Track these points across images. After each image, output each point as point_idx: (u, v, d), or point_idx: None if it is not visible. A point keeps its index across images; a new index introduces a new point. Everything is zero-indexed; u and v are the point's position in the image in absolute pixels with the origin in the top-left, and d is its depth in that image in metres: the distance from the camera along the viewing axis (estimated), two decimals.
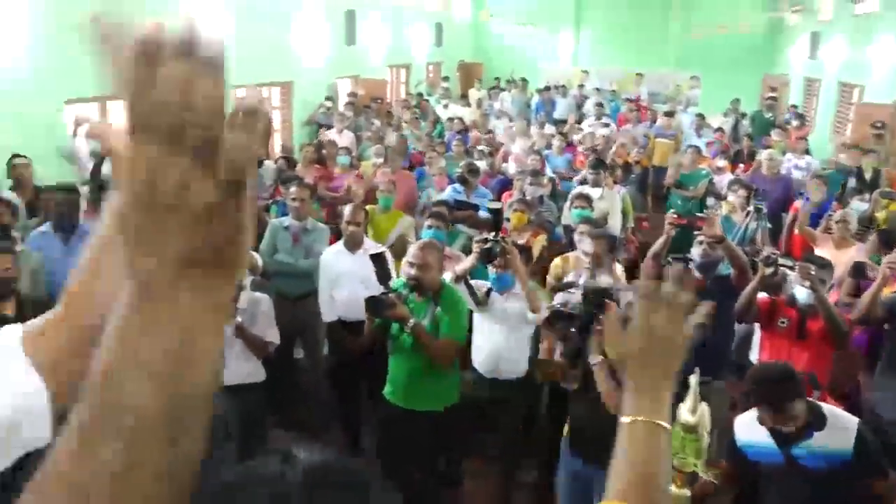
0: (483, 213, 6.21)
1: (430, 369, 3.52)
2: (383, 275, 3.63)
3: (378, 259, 3.71)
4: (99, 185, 4.98)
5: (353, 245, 4.50)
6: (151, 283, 0.46)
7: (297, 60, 10.73)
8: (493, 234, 3.78)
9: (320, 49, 11.32)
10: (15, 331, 0.86)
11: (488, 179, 7.32)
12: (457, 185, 6.43)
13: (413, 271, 3.50)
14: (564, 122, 11.59)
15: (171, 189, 0.44)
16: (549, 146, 8.95)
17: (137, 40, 0.44)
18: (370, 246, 4.55)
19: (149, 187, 0.45)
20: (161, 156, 0.44)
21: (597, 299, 2.95)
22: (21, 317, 3.32)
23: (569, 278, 4.21)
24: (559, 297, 3.75)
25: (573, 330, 3.01)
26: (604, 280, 3.44)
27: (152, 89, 0.43)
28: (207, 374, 0.49)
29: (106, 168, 6.19)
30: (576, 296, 3.07)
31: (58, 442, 0.48)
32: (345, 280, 4.44)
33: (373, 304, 3.42)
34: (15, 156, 5.29)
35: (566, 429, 3.35)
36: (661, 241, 4.29)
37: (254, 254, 4.41)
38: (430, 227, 4.72)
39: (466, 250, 4.99)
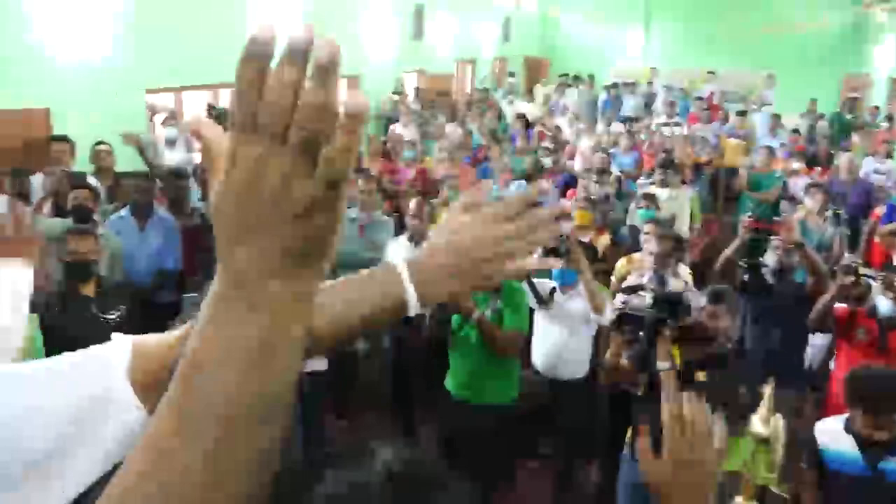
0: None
1: (492, 362, 3.51)
2: None
3: None
4: (174, 173, 5.17)
5: (417, 239, 4.52)
6: (246, 273, 0.48)
7: (364, 54, 10.85)
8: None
9: (388, 43, 11.41)
10: (125, 345, 0.80)
11: (553, 176, 7.25)
12: (521, 182, 6.38)
13: None
14: (632, 119, 11.37)
15: (275, 186, 0.46)
16: (615, 144, 8.80)
17: (250, 39, 0.45)
18: None
19: (252, 182, 0.46)
20: (266, 152, 0.45)
21: (667, 305, 2.87)
22: (100, 298, 3.46)
23: (631, 279, 4.11)
24: (619, 299, 3.68)
25: (641, 334, 2.94)
26: (675, 285, 3.34)
27: (262, 89, 0.45)
28: (294, 362, 0.50)
29: (177, 156, 6.41)
30: (645, 299, 3.00)
31: (145, 431, 0.50)
32: None
33: None
34: (98, 143, 5.50)
35: (629, 435, 3.28)
36: (734, 245, 4.16)
37: None
38: None
39: None
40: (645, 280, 3.97)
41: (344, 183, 0.48)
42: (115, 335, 0.82)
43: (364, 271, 0.82)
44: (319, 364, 3.91)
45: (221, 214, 0.48)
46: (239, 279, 0.48)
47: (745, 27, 17.38)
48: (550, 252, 3.57)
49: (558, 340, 3.79)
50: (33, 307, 3.63)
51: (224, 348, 0.48)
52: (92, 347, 0.79)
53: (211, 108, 5.02)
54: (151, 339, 0.81)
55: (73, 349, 0.79)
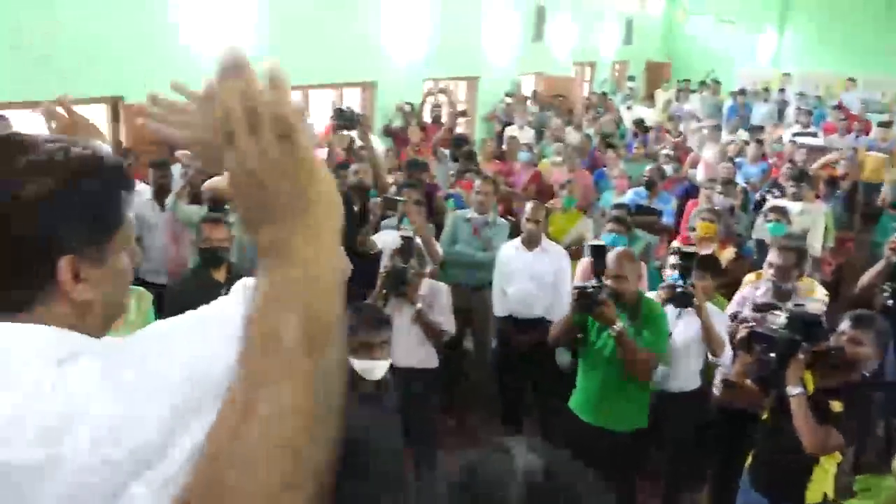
0: (666, 220, 5.95)
1: (624, 384, 3.29)
2: (601, 269, 3.31)
3: (597, 251, 3.44)
4: None
5: (531, 242, 4.48)
6: (272, 239, 0.63)
7: (483, 56, 10.89)
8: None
9: (507, 45, 11.40)
10: (249, 283, 0.92)
11: (672, 185, 6.99)
12: (640, 189, 6.20)
13: (610, 282, 3.28)
14: (761, 128, 10.79)
15: (248, 162, 0.62)
16: (741, 153, 8.38)
17: (220, 64, 0.66)
18: (547, 245, 4.52)
19: (243, 177, 0.63)
20: (242, 140, 0.62)
21: (803, 326, 2.68)
22: (230, 283, 3.65)
23: (746, 291, 3.87)
24: (750, 316, 3.48)
25: (772, 355, 2.76)
26: (813, 307, 3.12)
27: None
28: (336, 299, 0.65)
29: None
30: (779, 318, 2.81)
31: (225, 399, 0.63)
32: (518, 277, 4.44)
33: (584, 296, 3.15)
34: None
35: (749, 459, 3.11)
36: (878, 267, 3.85)
37: (435, 243, 4.53)
38: (610, 231, 4.59)
39: (643, 257, 4.81)
40: (760, 292, 3.73)
41: (291, 131, 0.63)
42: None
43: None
44: (430, 361, 3.95)
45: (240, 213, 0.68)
46: (266, 246, 0.64)
47: (891, 30, 16.09)
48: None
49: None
50: (170, 290, 3.88)
51: (277, 299, 0.63)
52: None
53: (337, 109, 5.19)
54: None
55: None
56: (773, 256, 3.70)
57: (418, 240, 3.98)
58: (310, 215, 0.63)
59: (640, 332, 3.23)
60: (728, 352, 3.46)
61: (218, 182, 0.68)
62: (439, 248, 4.60)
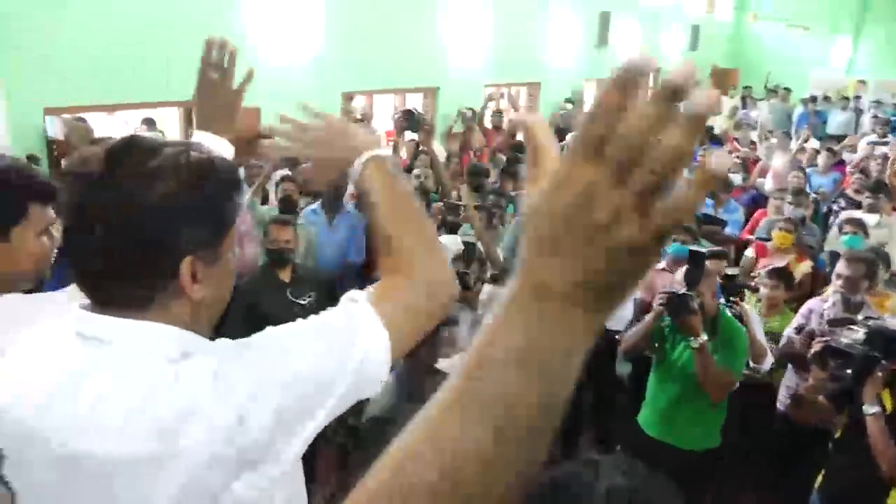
0: (731, 230, 5.81)
1: (697, 401, 3.14)
2: (694, 276, 3.16)
3: (695, 257, 3.28)
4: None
5: None
6: (549, 289, 0.48)
7: (545, 61, 10.85)
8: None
9: (570, 50, 11.33)
10: (363, 291, 1.00)
11: (739, 194, 6.82)
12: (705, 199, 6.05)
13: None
14: (835, 137, 10.41)
15: (606, 217, 0.45)
16: (813, 163, 8.11)
17: (625, 65, 0.45)
18: None
19: (579, 207, 0.46)
20: (602, 182, 0.45)
21: (883, 342, 2.57)
22: (294, 283, 3.73)
23: (813, 303, 3.73)
24: (823, 330, 3.35)
25: (848, 371, 2.66)
26: (893, 322, 2.99)
27: (622, 119, 0.44)
28: (568, 389, 0.50)
29: None
30: (857, 333, 2.70)
31: (427, 407, 0.52)
32: None
33: (677, 301, 3.03)
34: None
35: (819, 479, 3.00)
36: None
37: (496, 248, 4.52)
38: (675, 240, 4.50)
39: None
40: (828, 305, 3.60)
41: (670, 235, 0.47)
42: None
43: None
44: None
45: (536, 222, 0.48)
46: (538, 290, 0.48)
47: None
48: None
49: None
50: (237, 289, 4.00)
51: (510, 350, 0.49)
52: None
53: (404, 111, 5.25)
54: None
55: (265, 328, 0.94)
56: (841, 267, 3.58)
57: (479, 245, 3.99)
58: (620, 298, 0.50)
59: (717, 350, 3.08)
60: (769, 361, 3.33)
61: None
62: (500, 254, 4.59)
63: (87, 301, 0.90)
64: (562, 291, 0.48)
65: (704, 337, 3.02)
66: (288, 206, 4.36)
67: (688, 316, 3.02)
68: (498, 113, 8.73)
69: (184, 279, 0.87)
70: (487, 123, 8.64)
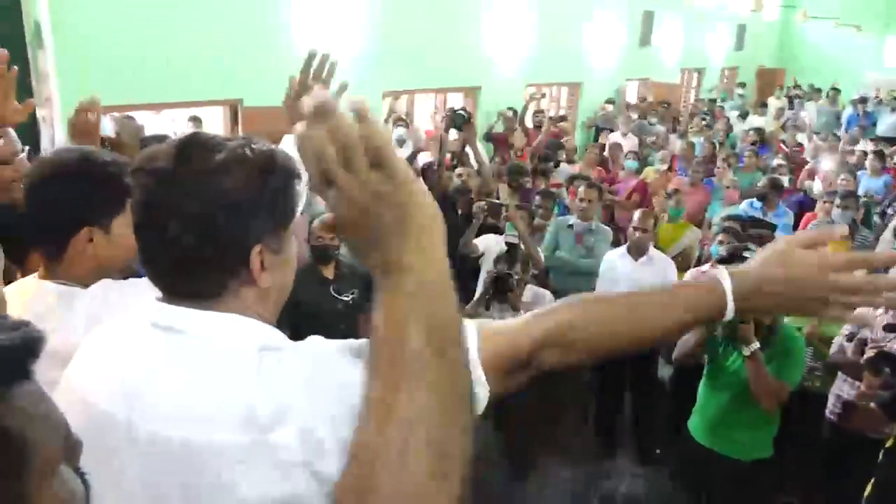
0: (780, 234, 5.70)
1: (749, 410, 3.07)
2: None
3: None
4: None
5: (638, 251, 4.41)
6: (385, 265, 0.73)
7: (587, 61, 10.78)
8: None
9: (612, 50, 11.24)
10: (473, 330, 0.95)
11: (787, 195, 6.69)
12: (754, 201, 5.96)
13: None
14: (885, 139, 10.14)
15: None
16: (862, 165, 7.91)
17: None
18: (653, 254, 4.43)
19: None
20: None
21: None
22: (338, 280, 3.78)
23: (862, 310, 3.64)
24: (875, 335, 3.28)
25: None
26: None
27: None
28: (452, 300, 0.73)
29: (404, 155, 6.80)
30: None
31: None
32: (623, 285, 4.36)
33: None
34: None
35: (869, 488, 2.94)
36: None
37: (538, 249, 4.52)
38: (720, 242, 4.44)
39: None
40: (880, 311, 3.51)
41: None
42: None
43: (686, 282, 0.87)
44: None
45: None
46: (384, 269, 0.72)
47: None
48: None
49: None
50: None
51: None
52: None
53: (452, 110, 5.28)
54: (493, 326, 0.99)
55: (311, 323, 0.93)
56: (894, 271, 3.50)
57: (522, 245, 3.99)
58: (414, 230, 0.70)
59: (772, 359, 3.01)
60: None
61: (326, 219, 0.69)
62: (541, 255, 4.59)
63: (160, 293, 0.93)
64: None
65: (756, 344, 2.96)
66: None
67: (740, 324, 2.96)
68: (539, 112, 8.70)
69: (254, 268, 0.89)
70: (529, 123, 8.63)
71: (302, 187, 0.95)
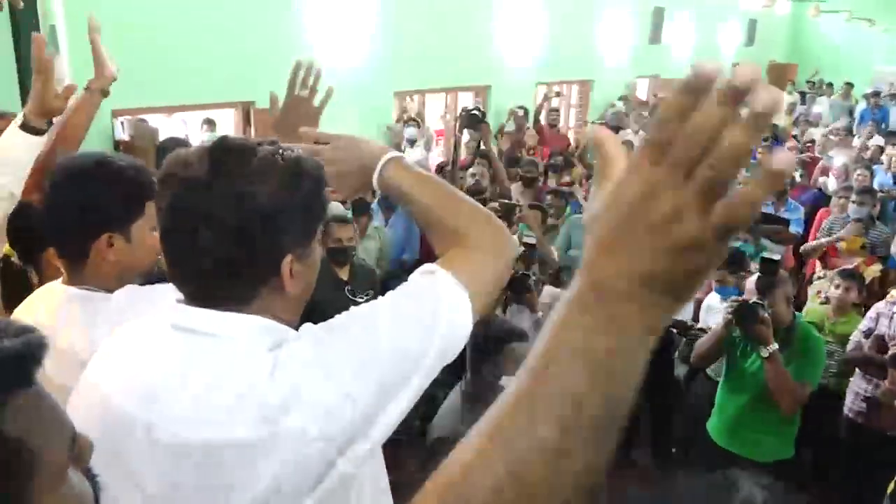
0: (794, 229, 5.65)
1: (768, 411, 3.02)
2: (766, 284, 3.09)
3: (768, 264, 3.20)
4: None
5: None
6: (606, 286, 0.49)
7: (597, 59, 10.73)
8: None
9: (622, 48, 11.18)
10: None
11: (799, 193, 6.63)
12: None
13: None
14: None
15: (665, 214, 0.46)
16: (877, 160, 7.83)
17: (694, 71, 0.46)
18: None
19: (643, 204, 0.47)
20: (667, 181, 0.46)
21: None
22: (353, 281, 3.77)
23: (880, 306, 3.59)
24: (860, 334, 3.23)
25: None
26: None
27: (687, 120, 0.45)
28: (632, 387, 0.51)
29: (416, 154, 6.81)
30: None
31: (497, 407, 0.53)
32: None
33: (746, 309, 2.96)
34: None
35: (892, 486, 2.90)
36: None
37: (551, 248, 4.50)
38: (737, 239, 4.41)
39: None
40: (892, 307, 3.47)
41: (734, 232, 0.47)
42: None
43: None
44: None
45: (599, 222, 0.50)
46: (598, 289, 0.49)
47: None
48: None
49: None
50: None
51: (574, 349, 0.50)
52: None
53: (465, 110, 5.27)
54: None
55: None
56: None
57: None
58: (682, 298, 0.50)
59: (791, 361, 2.96)
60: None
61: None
62: (555, 254, 4.57)
63: (180, 296, 0.93)
64: (621, 290, 0.48)
65: (775, 346, 2.91)
66: (362, 206, 4.47)
67: (756, 326, 2.93)
68: (555, 111, 8.67)
69: (285, 277, 0.90)
70: (543, 121, 8.59)
71: (328, 193, 0.95)
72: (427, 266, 1.01)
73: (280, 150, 0.91)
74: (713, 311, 3.78)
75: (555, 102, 9.21)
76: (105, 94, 1.87)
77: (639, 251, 0.48)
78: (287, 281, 0.90)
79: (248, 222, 0.86)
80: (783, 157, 0.44)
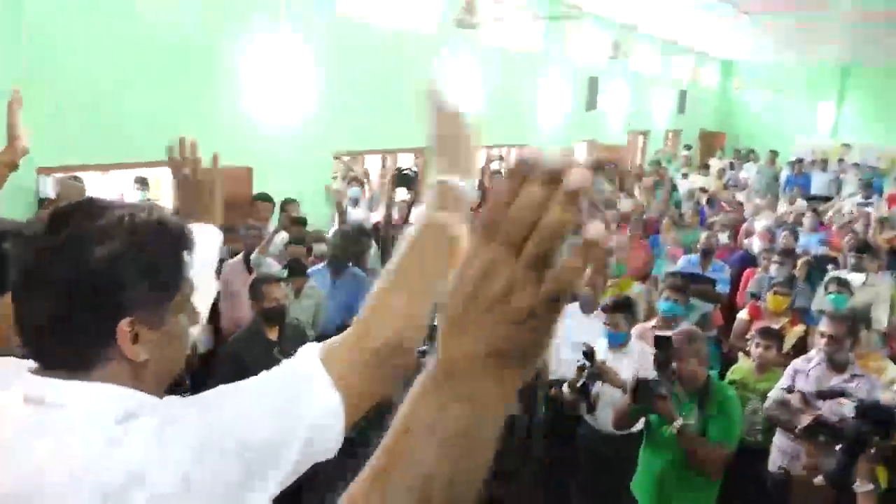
0: (720, 288, 5.83)
1: (688, 469, 3.06)
2: (664, 361, 3.18)
3: (662, 343, 3.27)
4: (358, 231, 5.50)
5: (588, 307, 4.46)
6: (456, 364, 0.52)
7: (536, 124, 11.08)
8: (585, 358, 3.52)
9: (559, 113, 11.58)
10: (314, 349, 0.94)
11: (726, 254, 6.88)
12: (692, 257, 6.11)
13: (674, 365, 3.14)
14: (819, 198, 10.60)
15: (501, 288, 0.50)
16: (799, 223, 8.23)
17: (518, 158, 0.51)
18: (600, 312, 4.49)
19: (479, 283, 0.51)
20: (498, 259, 0.50)
21: (874, 419, 2.51)
22: (282, 341, 3.71)
23: (798, 363, 3.71)
24: (807, 402, 3.30)
25: (838, 448, 2.59)
26: (886, 396, 2.94)
27: (514, 201, 0.50)
28: (487, 457, 0.54)
29: (359, 214, 6.83)
30: (844, 407, 2.66)
31: (355, 484, 0.56)
32: (570, 341, 4.38)
33: (643, 388, 3.06)
34: (287, 199, 6.00)
35: None
36: None
37: None
38: (666, 298, 4.52)
39: (700, 326, 4.72)
40: (812, 364, 3.60)
41: (565, 300, 0.51)
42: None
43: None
44: None
45: (446, 305, 0.53)
46: (448, 369, 0.53)
47: None
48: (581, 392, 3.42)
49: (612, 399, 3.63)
50: (226, 346, 3.93)
51: (427, 425, 0.53)
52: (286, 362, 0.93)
53: (399, 170, 5.35)
54: (334, 339, 0.95)
55: None
56: (823, 326, 3.61)
57: None
58: (532, 362, 0.53)
59: (709, 422, 3.01)
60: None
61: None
62: None
63: (34, 364, 0.90)
64: (472, 369, 0.52)
65: (680, 421, 2.99)
66: (296, 269, 4.43)
67: (656, 402, 3.02)
68: (497, 173, 8.86)
69: (122, 340, 0.87)
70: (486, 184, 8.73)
71: (193, 258, 0.93)
72: (308, 348, 0.96)
73: (134, 213, 0.89)
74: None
75: (497, 165, 9.43)
76: (14, 167, 1.82)
77: (482, 328, 0.51)
78: (127, 346, 0.87)
79: (80, 282, 0.84)
80: (594, 228, 0.48)
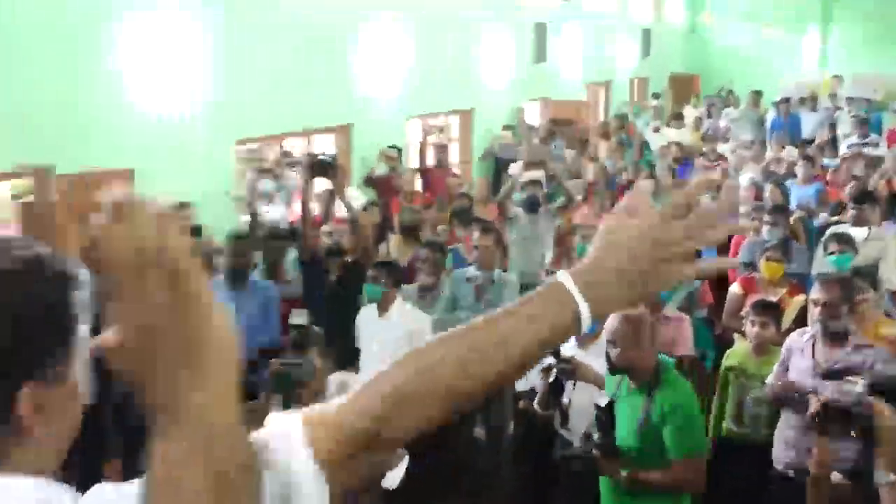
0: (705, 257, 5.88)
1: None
2: (556, 388, 3.58)
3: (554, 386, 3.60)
4: (271, 234, 5.38)
5: None
6: (166, 401, 0.64)
7: (478, 85, 11.04)
8: (553, 356, 3.49)
9: (504, 70, 11.56)
10: (296, 421, 0.90)
11: None
12: None
13: (613, 352, 3.18)
14: (813, 142, 10.81)
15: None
16: (791, 173, 8.37)
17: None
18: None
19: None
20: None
21: (892, 395, 2.52)
22: None
23: (793, 339, 3.74)
24: (815, 385, 3.33)
25: (853, 434, 2.58)
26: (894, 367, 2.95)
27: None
28: (239, 444, 0.67)
29: (275, 212, 6.68)
30: (857, 386, 2.66)
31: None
32: None
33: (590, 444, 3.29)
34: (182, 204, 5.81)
35: None
36: None
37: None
38: None
39: (684, 309, 4.75)
40: (806, 337, 3.62)
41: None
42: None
43: (527, 294, 0.96)
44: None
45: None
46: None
47: None
48: (555, 388, 3.58)
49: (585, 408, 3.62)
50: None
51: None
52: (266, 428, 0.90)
53: (312, 156, 5.25)
54: (317, 407, 0.94)
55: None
56: (815, 293, 3.62)
57: None
58: (208, 363, 0.65)
59: (665, 422, 3.06)
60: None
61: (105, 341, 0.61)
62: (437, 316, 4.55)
63: None
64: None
65: (624, 472, 3.08)
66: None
67: (601, 464, 3.15)
68: (442, 147, 8.78)
69: (26, 414, 0.79)
70: (430, 162, 8.66)
71: (84, 295, 0.86)
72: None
73: (11, 250, 0.82)
74: None
75: (435, 139, 9.38)
76: None
77: (148, 356, 0.64)
78: (33, 420, 0.80)
79: None
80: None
